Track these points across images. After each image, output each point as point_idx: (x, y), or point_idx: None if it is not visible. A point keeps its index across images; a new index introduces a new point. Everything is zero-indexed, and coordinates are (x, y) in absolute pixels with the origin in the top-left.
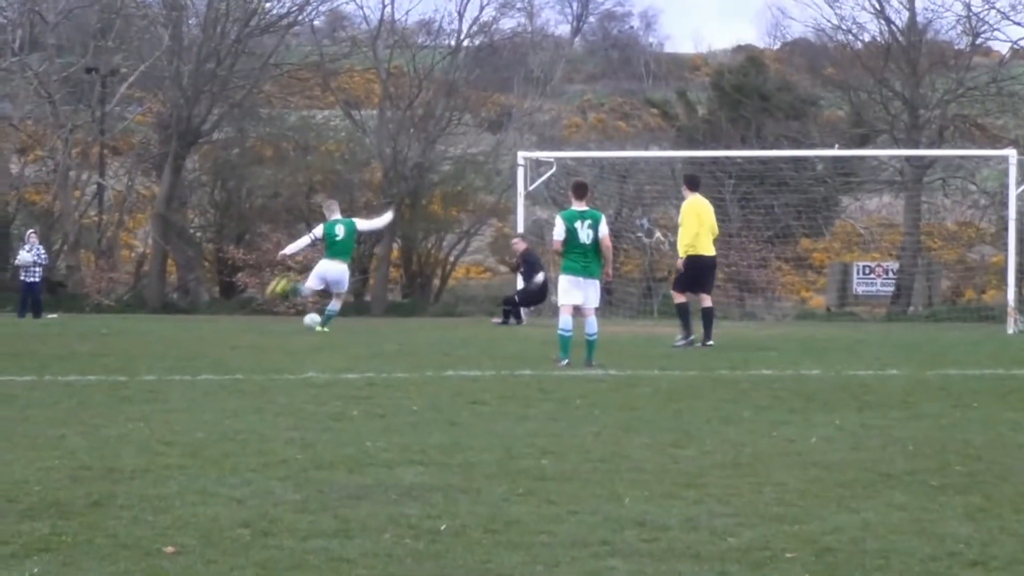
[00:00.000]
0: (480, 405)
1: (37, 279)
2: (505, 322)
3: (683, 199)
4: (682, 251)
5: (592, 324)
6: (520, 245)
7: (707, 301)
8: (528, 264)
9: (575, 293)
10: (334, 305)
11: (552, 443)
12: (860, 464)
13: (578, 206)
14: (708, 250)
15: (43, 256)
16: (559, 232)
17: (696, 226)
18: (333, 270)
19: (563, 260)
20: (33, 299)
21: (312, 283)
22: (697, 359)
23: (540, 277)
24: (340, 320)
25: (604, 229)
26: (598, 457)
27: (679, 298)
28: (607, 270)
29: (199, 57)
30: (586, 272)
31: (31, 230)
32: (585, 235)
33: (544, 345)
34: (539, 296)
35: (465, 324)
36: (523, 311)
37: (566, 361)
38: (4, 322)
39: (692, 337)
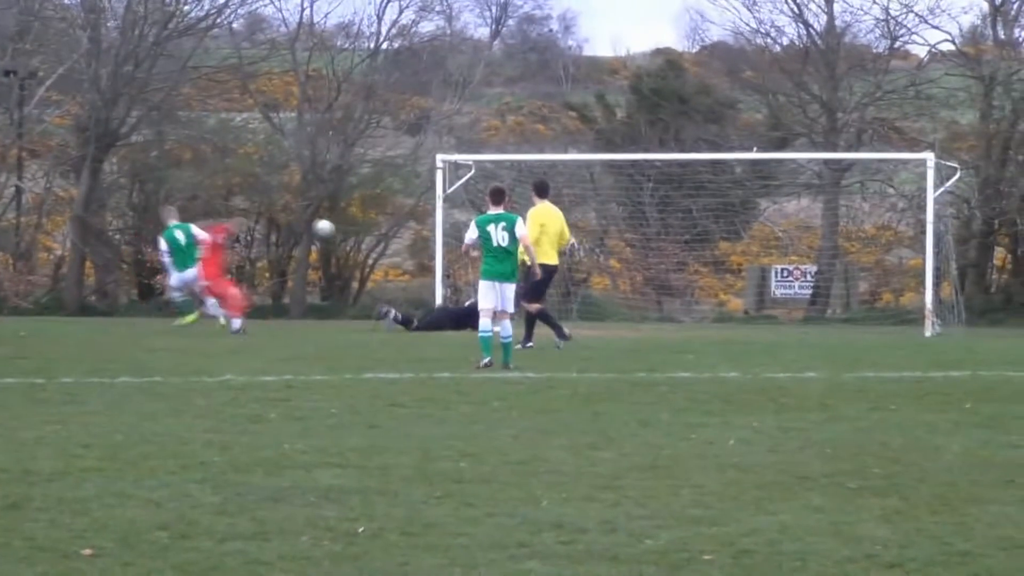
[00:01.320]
0: (398, 408)
1: None
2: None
3: (533, 205)
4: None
5: (507, 327)
6: None
7: (534, 307)
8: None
9: (490, 296)
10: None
11: (470, 446)
12: (778, 466)
13: (494, 210)
14: (549, 258)
15: None
16: (469, 235)
17: (536, 233)
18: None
19: (481, 264)
20: None
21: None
22: (615, 362)
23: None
24: (258, 323)
25: (521, 230)
26: (516, 460)
27: (535, 306)
28: (534, 268)
29: (117, 60)
30: (500, 276)
31: None
32: (499, 238)
33: (463, 348)
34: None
35: (383, 327)
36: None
37: (488, 359)
38: None
39: (567, 333)
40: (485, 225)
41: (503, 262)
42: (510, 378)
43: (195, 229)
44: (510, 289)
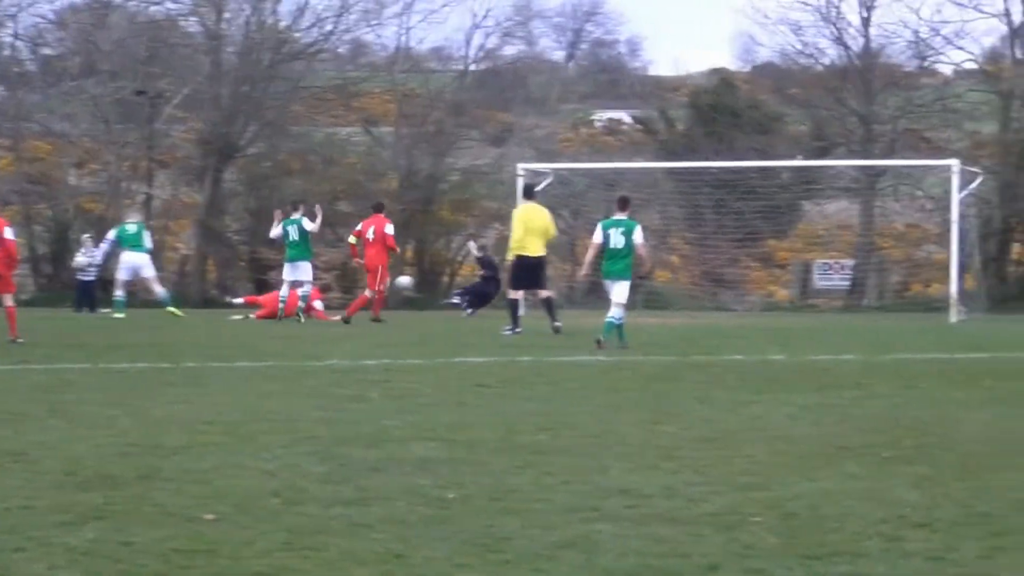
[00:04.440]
0: (484, 388)
1: (92, 278)
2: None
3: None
4: (509, 252)
5: (614, 311)
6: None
7: (543, 293)
8: (486, 266)
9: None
10: None
11: (548, 421)
12: (819, 438)
13: (619, 215)
14: (534, 251)
15: (97, 258)
16: (596, 236)
17: (521, 231)
18: None
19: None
20: (88, 296)
21: None
22: (676, 347)
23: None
24: (362, 313)
25: (638, 237)
26: (589, 433)
27: (512, 295)
28: (645, 268)
29: (236, 81)
30: (613, 274)
31: (86, 235)
32: (615, 240)
33: (540, 336)
34: (484, 299)
35: (470, 316)
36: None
37: (601, 339)
38: (63, 317)
39: (519, 329)
40: (607, 228)
41: (615, 262)
42: (583, 361)
43: None
44: (622, 284)
